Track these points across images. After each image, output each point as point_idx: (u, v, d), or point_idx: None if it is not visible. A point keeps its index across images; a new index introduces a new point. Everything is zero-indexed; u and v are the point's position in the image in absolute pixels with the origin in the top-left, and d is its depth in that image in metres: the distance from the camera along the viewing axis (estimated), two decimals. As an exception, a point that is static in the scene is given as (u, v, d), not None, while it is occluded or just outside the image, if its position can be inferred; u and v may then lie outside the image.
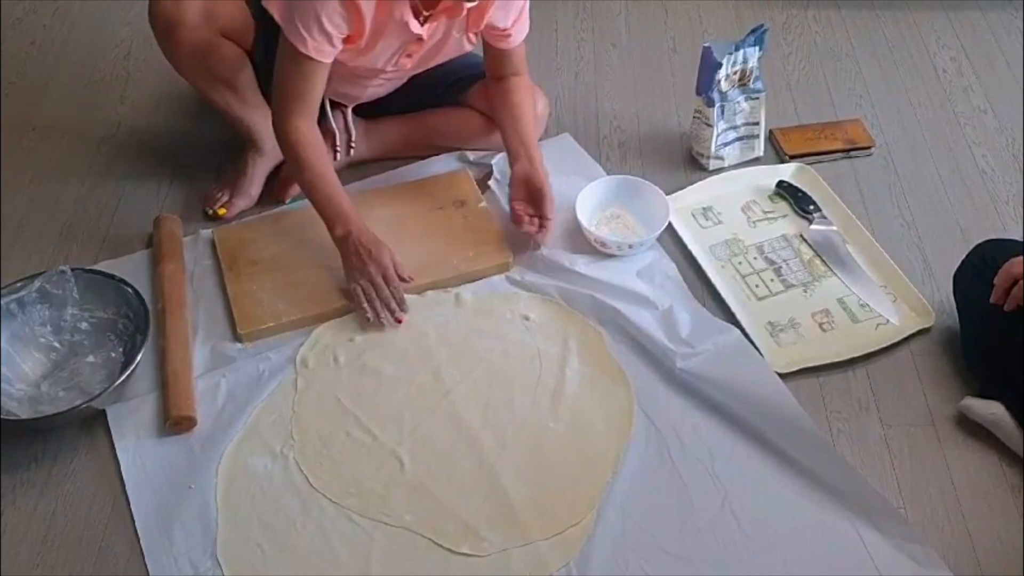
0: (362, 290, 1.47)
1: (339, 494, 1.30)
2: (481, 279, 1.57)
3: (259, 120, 1.65)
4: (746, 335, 1.45)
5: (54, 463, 1.35)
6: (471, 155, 1.75)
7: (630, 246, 1.56)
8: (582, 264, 1.57)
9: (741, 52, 1.65)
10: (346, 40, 1.43)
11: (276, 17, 1.43)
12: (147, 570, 1.23)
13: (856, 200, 1.69)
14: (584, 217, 1.58)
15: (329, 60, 1.44)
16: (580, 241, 1.61)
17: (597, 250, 1.58)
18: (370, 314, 1.47)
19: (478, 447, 1.34)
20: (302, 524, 1.27)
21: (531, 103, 1.63)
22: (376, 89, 1.66)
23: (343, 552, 1.24)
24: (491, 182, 1.70)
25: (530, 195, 1.57)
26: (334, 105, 1.68)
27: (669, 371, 1.42)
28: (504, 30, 1.54)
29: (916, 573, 1.20)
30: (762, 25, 1.67)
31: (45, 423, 1.36)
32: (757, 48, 1.66)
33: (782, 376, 1.40)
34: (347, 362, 1.45)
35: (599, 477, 1.31)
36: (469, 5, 1.42)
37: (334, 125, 1.69)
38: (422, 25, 1.46)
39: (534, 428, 1.36)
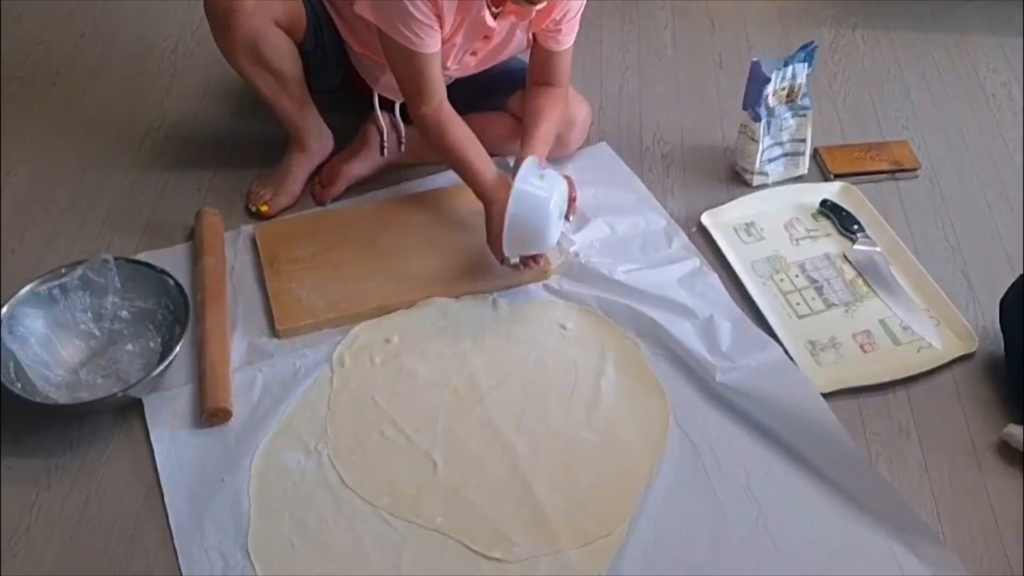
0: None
1: (372, 494, 1.29)
2: (519, 286, 1.56)
3: (304, 117, 1.66)
4: (786, 353, 1.43)
5: (89, 449, 1.35)
6: (511, 161, 1.75)
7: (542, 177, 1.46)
8: (621, 272, 1.56)
9: (790, 68, 1.64)
10: None
11: (371, 19, 1.45)
12: (177, 561, 1.22)
13: (901, 222, 1.67)
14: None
15: (437, 48, 1.46)
16: (619, 249, 1.60)
17: (637, 258, 1.57)
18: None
19: (511, 454, 1.33)
20: (334, 522, 1.27)
21: (556, 112, 1.62)
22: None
23: (374, 552, 1.24)
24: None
25: None
26: (383, 103, 1.69)
27: (708, 385, 1.40)
28: (557, 25, 1.54)
29: (954, 601, 1.18)
30: (812, 42, 1.66)
31: (82, 409, 1.37)
32: (806, 65, 1.65)
33: (823, 396, 1.38)
34: (383, 363, 1.45)
35: (632, 490, 1.29)
36: (539, 7, 1.42)
37: (382, 122, 1.69)
38: (495, 19, 1.47)
39: (568, 438, 1.35)
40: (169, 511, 1.28)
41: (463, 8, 1.44)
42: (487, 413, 1.38)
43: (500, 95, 1.72)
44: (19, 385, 1.34)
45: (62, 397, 1.36)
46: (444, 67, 1.55)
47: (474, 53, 1.56)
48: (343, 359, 1.46)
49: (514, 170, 1.57)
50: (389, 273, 1.56)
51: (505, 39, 1.56)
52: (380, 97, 1.69)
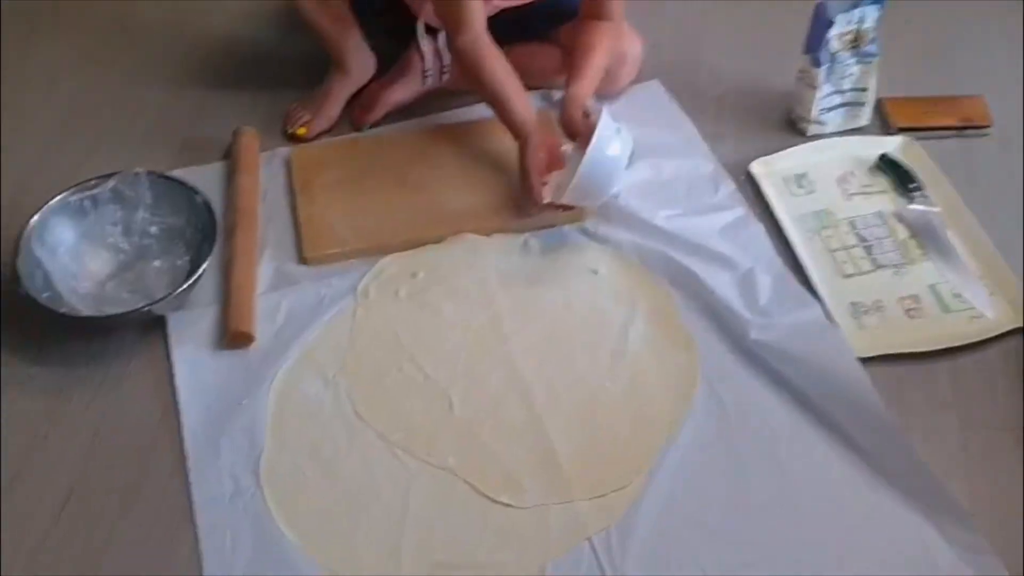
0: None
1: (386, 428, 1.28)
2: (553, 227, 1.51)
3: (345, 37, 1.62)
4: (827, 313, 1.37)
5: (112, 364, 1.36)
6: (556, 95, 1.69)
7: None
8: (661, 218, 1.50)
9: (858, 11, 1.53)
10: None
11: None
12: (188, 480, 1.23)
13: (963, 183, 1.56)
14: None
15: None
16: (661, 194, 1.54)
17: (680, 204, 1.52)
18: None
19: (530, 398, 1.30)
20: (346, 453, 1.26)
21: (607, 47, 1.56)
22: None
23: (384, 487, 1.22)
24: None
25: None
26: (427, 29, 1.63)
27: (741, 341, 1.35)
28: None
29: (979, 586, 1.13)
30: (886, -16, 1.56)
31: (106, 323, 1.37)
32: (877, 7, 1.54)
33: (861, 361, 1.32)
34: (408, 297, 1.42)
35: (651, 444, 1.25)
36: None
37: (425, 49, 1.64)
38: None
39: (590, 386, 1.32)
40: (185, 430, 1.28)
41: None
42: (509, 355, 1.35)
43: (548, 26, 1.66)
44: (46, 295, 1.35)
45: (87, 309, 1.37)
46: None
47: None
48: (368, 291, 1.43)
49: (562, 107, 1.51)
50: (421, 206, 1.53)
51: None
52: (425, 23, 1.63)
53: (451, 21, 1.47)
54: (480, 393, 1.31)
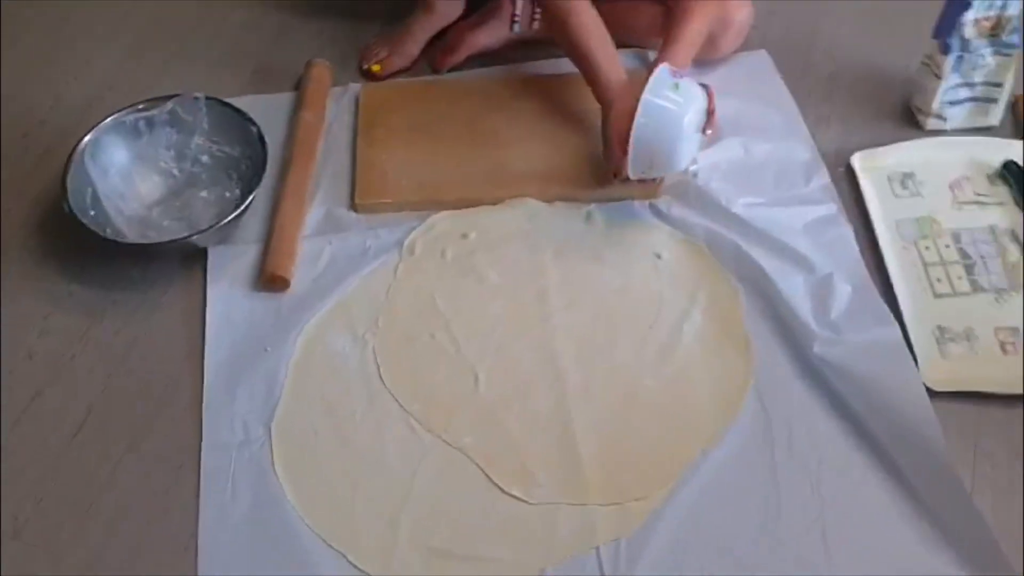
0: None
1: (406, 397, 1.22)
2: (622, 201, 1.40)
3: None
4: (906, 334, 1.22)
5: (148, 292, 1.34)
6: (653, 55, 1.55)
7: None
8: (741, 204, 1.37)
9: (1003, -7, 1.34)
10: None
11: None
12: (202, 421, 1.20)
13: (1099, 203, 1.37)
14: None
15: None
16: (746, 177, 1.40)
17: (765, 191, 1.38)
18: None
19: (560, 386, 1.21)
20: (362, 417, 1.20)
21: (710, 12, 1.41)
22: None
23: (393, 460, 1.17)
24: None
25: None
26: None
27: (802, 354, 1.22)
28: None
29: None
30: (1040, -35, 1.35)
31: (148, 249, 1.35)
32: (1025, -6, 1.35)
33: (937, 394, 1.17)
34: (454, 259, 1.34)
35: (684, 454, 1.15)
36: None
37: None
38: None
39: (628, 380, 1.22)
40: (206, 370, 1.24)
41: None
42: (548, 335, 1.26)
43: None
44: (92, 214, 1.33)
45: (132, 232, 1.35)
46: None
47: None
48: (414, 247, 1.36)
49: (647, 72, 1.39)
50: (485, 162, 1.44)
51: None
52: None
53: None
54: (509, 373, 1.23)
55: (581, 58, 1.40)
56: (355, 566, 1.08)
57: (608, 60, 1.38)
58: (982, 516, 1.07)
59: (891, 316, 1.23)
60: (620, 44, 1.56)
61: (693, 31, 1.41)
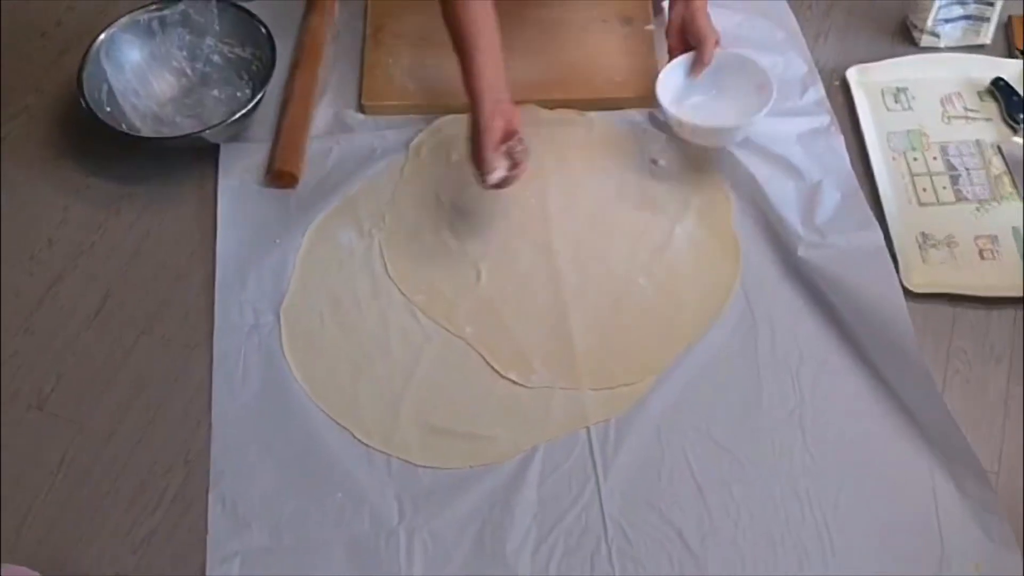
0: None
1: (410, 288, 1.27)
2: (621, 109, 1.44)
3: None
4: (889, 240, 1.27)
5: (161, 186, 1.39)
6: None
7: (720, 131, 1.34)
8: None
9: (1000, -90, 1.37)
10: None
11: None
12: (214, 306, 1.26)
13: (1085, 121, 1.41)
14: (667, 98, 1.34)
15: None
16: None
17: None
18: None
19: (557, 281, 1.27)
20: (367, 306, 1.26)
21: None
22: None
23: (396, 345, 1.23)
24: (664, 3, 1.53)
25: (687, 47, 1.37)
26: None
27: (788, 256, 1.28)
28: None
29: (982, 545, 1.06)
30: None
31: (162, 144, 1.39)
32: (1023, -91, 1.37)
33: (917, 296, 1.23)
34: (458, 162, 1.38)
35: (671, 347, 1.21)
36: None
37: None
38: None
39: (621, 279, 1.27)
40: (218, 258, 1.30)
41: None
42: (546, 235, 1.31)
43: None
44: (108, 110, 1.37)
45: (146, 129, 1.39)
46: None
47: None
48: (420, 149, 1.41)
49: (676, 12, 1.38)
50: (490, 68, 1.47)
51: None
52: None
53: None
54: (509, 270, 1.29)
55: (461, 53, 1.27)
56: (360, 440, 1.15)
57: (487, 62, 1.25)
58: (950, 411, 1.13)
59: (875, 222, 1.28)
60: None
61: None
